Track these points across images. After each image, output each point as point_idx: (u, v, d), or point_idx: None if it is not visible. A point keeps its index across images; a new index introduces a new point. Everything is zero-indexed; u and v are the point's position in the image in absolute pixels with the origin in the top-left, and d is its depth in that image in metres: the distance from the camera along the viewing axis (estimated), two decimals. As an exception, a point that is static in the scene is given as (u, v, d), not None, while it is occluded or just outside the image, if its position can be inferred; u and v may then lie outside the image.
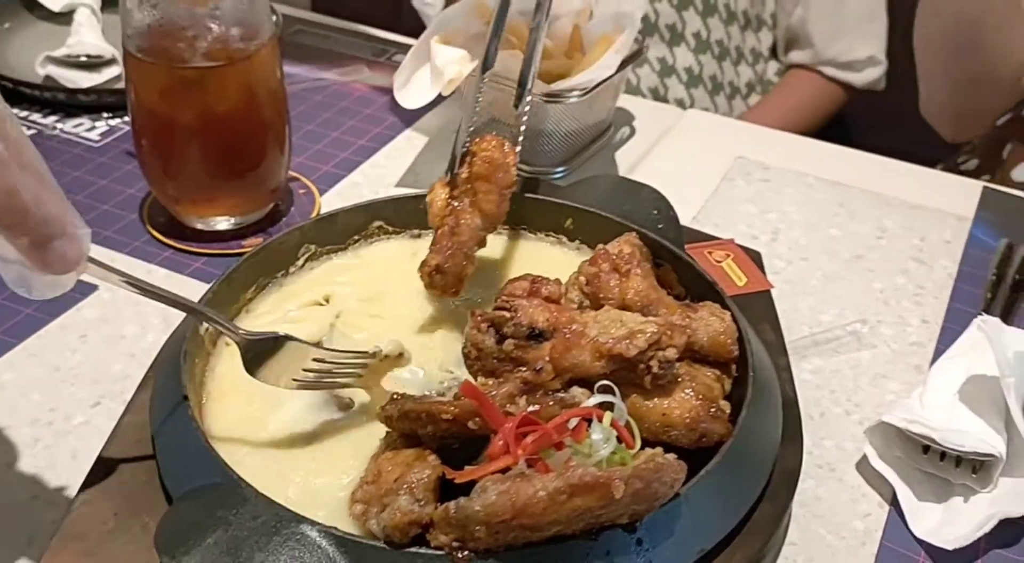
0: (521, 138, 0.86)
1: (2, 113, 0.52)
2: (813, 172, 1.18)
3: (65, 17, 1.34)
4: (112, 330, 0.89)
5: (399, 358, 0.73)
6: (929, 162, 1.28)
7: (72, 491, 0.73)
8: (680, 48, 1.66)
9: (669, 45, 1.65)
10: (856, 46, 1.68)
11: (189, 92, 0.92)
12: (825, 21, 1.67)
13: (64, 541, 0.62)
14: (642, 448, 0.63)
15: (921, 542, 0.72)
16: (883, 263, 1.03)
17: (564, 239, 0.92)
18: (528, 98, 0.89)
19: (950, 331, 0.93)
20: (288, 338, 0.69)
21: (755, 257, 0.94)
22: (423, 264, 0.79)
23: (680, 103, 1.69)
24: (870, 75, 1.70)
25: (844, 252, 1.05)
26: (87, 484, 0.66)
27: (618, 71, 1.09)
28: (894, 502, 0.75)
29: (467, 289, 0.86)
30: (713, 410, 0.67)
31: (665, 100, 1.70)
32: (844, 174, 1.18)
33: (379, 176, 1.15)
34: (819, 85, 1.71)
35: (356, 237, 0.89)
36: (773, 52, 1.78)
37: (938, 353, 0.90)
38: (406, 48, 1.42)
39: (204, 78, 0.92)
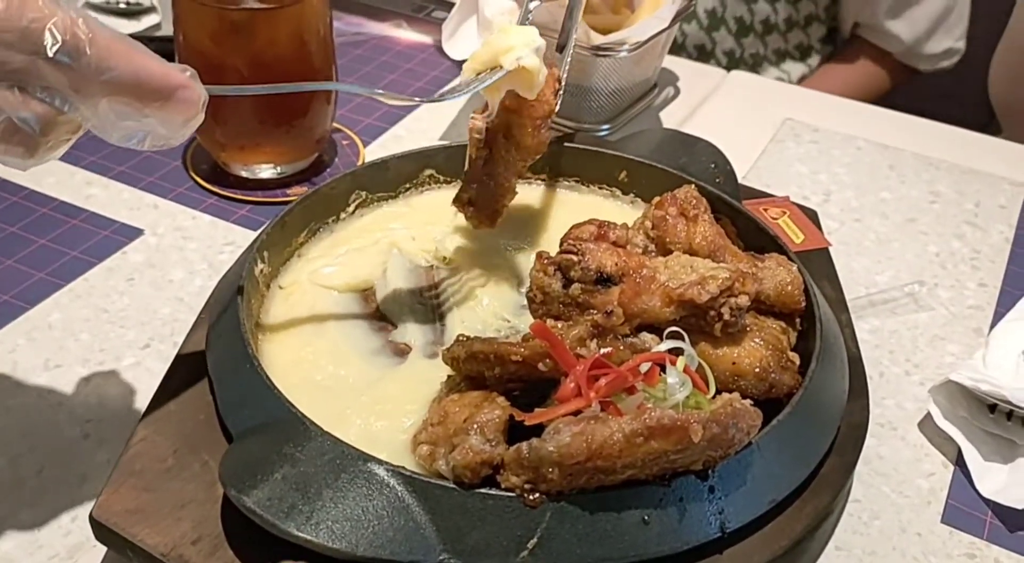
0: (561, 90, 0.82)
1: (66, 23, 0.51)
2: (863, 135, 1.16)
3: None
4: (159, 274, 0.88)
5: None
6: (977, 128, 1.25)
7: (124, 430, 0.72)
8: None
9: None
10: (935, 41, 1.65)
11: (240, 35, 0.91)
12: (900, 16, 1.63)
13: (123, 476, 0.61)
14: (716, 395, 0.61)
15: (988, 502, 0.71)
16: (937, 227, 1.01)
17: (618, 192, 0.90)
18: (571, 44, 0.86)
19: (1009, 294, 0.91)
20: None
21: (811, 215, 0.92)
22: (456, 197, 0.79)
23: (729, 54, 1.66)
24: (944, 62, 1.67)
25: (896, 215, 1.03)
26: (143, 422, 0.65)
27: (672, 23, 1.07)
28: (959, 462, 0.74)
29: (519, 239, 0.85)
30: (783, 361, 0.66)
31: (712, 55, 1.67)
32: (893, 138, 1.16)
33: (422, 130, 1.13)
34: (886, 64, 1.69)
35: (407, 185, 0.88)
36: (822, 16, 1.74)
37: (998, 316, 0.88)
38: (445, 5, 1.40)
39: (255, 21, 0.90)
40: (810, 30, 1.72)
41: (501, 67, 0.71)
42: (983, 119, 1.66)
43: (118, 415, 0.74)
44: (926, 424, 0.77)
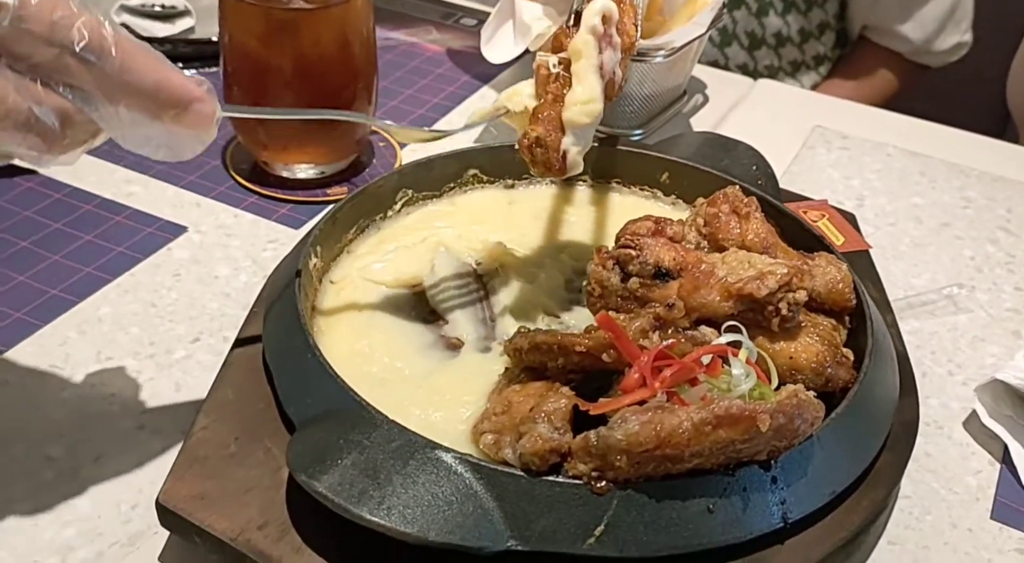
0: (640, 21, 0.77)
1: (92, 24, 0.53)
2: (891, 142, 1.17)
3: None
4: (204, 270, 0.88)
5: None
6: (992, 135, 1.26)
7: (178, 421, 0.73)
8: (740, 12, 1.65)
9: (729, 10, 1.64)
10: (943, 38, 1.67)
11: (284, 36, 0.92)
12: (908, 18, 1.65)
13: (187, 463, 0.62)
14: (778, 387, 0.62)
15: (1037, 499, 0.71)
16: (971, 231, 1.02)
17: (659, 194, 0.91)
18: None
19: (1046, 298, 0.92)
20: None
21: (850, 218, 0.93)
22: (522, 136, 0.71)
23: (743, 67, 1.68)
24: (953, 57, 1.68)
25: (930, 219, 1.04)
26: (204, 412, 0.65)
27: (709, 29, 1.08)
28: (1005, 459, 0.75)
29: (563, 238, 0.86)
30: (839, 356, 0.66)
31: (727, 69, 1.69)
32: (922, 145, 1.17)
33: (457, 135, 1.14)
34: (895, 65, 1.70)
35: (451, 184, 0.89)
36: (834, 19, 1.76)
37: (1035, 319, 0.89)
38: (473, 12, 1.42)
39: (301, 21, 0.91)
40: (824, 38, 1.73)
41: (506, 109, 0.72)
42: (997, 126, 1.68)
43: (172, 406, 0.74)
44: (971, 423, 0.77)
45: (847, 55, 1.78)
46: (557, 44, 0.72)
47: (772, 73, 1.73)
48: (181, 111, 0.57)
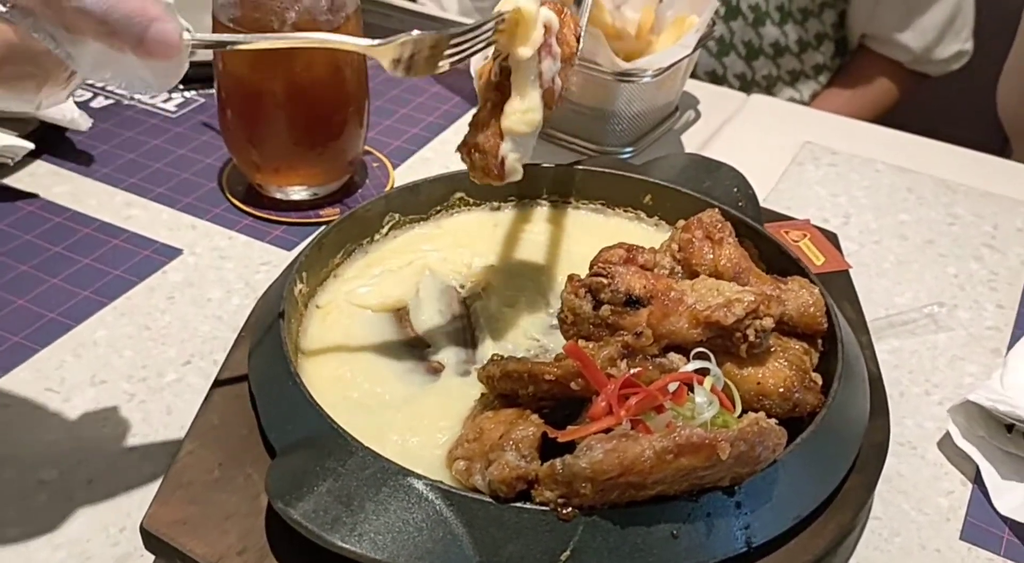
0: (582, 34, 0.78)
1: None
2: (881, 158, 1.18)
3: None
4: (198, 293, 0.91)
5: (523, 11, 0.69)
6: (991, 151, 1.27)
7: (168, 445, 0.75)
8: (737, 22, 1.66)
9: (726, 20, 1.66)
10: (943, 47, 1.67)
11: (278, 62, 0.94)
12: (908, 27, 1.66)
13: (171, 488, 0.64)
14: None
15: (1006, 519, 0.73)
16: (955, 249, 1.03)
17: (643, 215, 0.92)
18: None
19: (1027, 316, 0.93)
20: (417, 32, 0.65)
21: (831, 238, 0.95)
22: (462, 143, 0.74)
23: (741, 77, 1.69)
24: (954, 65, 1.69)
25: (915, 237, 1.05)
26: (190, 437, 0.67)
27: (695, 49, 1.10)
28: (977, 480, 0.76)
29: (546, 261, 0.87)
30: (807, 381, 0.68)
31: (724, 79, 1.70)
32: (912, 161, 1.18)
33: (448, 152, 1.16)
34: (895, 74, 1.71)
35: (438, 207, 0.91)
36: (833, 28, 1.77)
37: (1015, 338, 0.90)
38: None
39: (292, 48, 0.93)
40: (823, 48, 1.74)
41: (501, 15, 0.70)
42: (999, 137, 1.68)
43: (163, 429, 0.77)
44: (945, 443, 0.79)
45: (847, 64, 1.79)
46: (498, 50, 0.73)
47: (771, 83, 1.74)
48: (141, 35, 0.53)
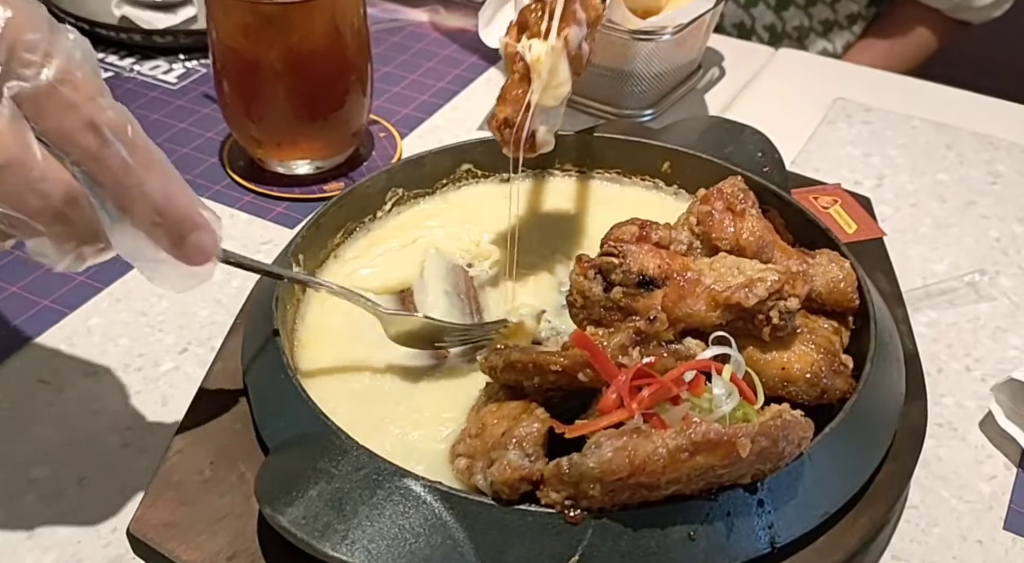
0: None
1: (124, 116, 0.51)
2: (918, 113, 1.12)
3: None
4: (197, 275, 0.87)
5: (524, 326, 0.71)
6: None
7: (163, 438, 0.72)
8: None
9: None
10: None
11: (272, 30, 0.89)
12: None
13: (160, 489, 0.60)
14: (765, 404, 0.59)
15: (1054, 507, 0.68)
16: (998, 210, 0.97)
17: (661, 183, 0.87)
18: None
19: (1076, 283, 0.87)
20: (426, 318, 0.69)
21: (864, 203, 0.89)
22: (491, 116, 0.72)
23: (770, 29, 1.62)
24: (995, 12, 1.60)
25: (955, 198, 0.99)
26: (181, 432, 0.64)
27: (715, 5, 1.03)
28: (1022, 464, 0.71)
29: (559, 236, 0.83)
30: (836, 365, 0.63)
31: (753, 31, 1.63)
32: (951, 116, 1.11)
33: (460, 119, 1.11)
34: (934, 23, 1.62)
35: (444, 181, 0.86)
36: None
37: (1064, 306, 0.84)
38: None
39: (288, 15, 0.89)
40: None
41: None
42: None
43: (156, 422, 0.74)
44: (988, 423, 0.74)
45: (883, 13, 1.70)
46: (523, 20, 0.69)
47: (802, 34, 1.66)
48: (184, 237, 0.55)
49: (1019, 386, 0.72)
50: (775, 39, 1.65)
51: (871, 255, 0.81)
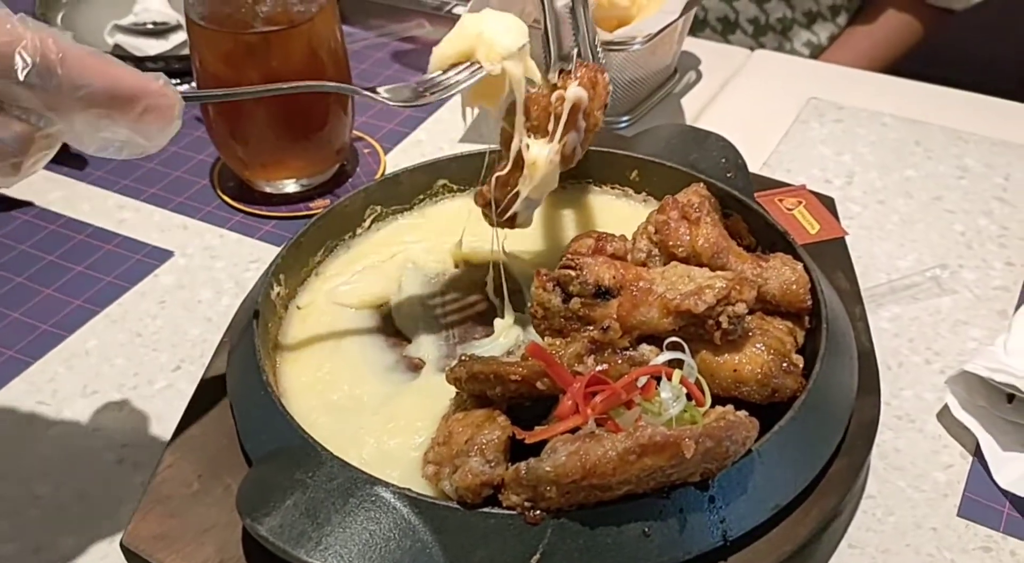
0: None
1: (41, 37, 0.51)
2: (889, 110, 1.14)
3: (131, -16, 1.35)
4: (188, 295, 0.91)
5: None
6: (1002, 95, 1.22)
7: (157, 454, 0.75)
8: None
9: None
10: None
11: (252, 57, 0.93)
12: None
13: (151, 504, 0.64)
14: (713, 405, 0.62)
15: (1006, 493, 0.70)
16: (963, 204, 1.00)
17: (630, 191, 0.90)
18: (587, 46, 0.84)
19: (1036, 274, 0.89)
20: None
21: (828, 203, 0.92)
22: (478, 193, 0.76)
23: (754, 22, 1.64)
24: None
25: (922, 194, 1.01)
26: (170, 448, 0.68)
27: (681, 15, 1.06)
28: (977, 453, 0.74)
29: (531, 243, 0.86)
30: (785, 365, 0.66)
31: (737, 25, 1.65)
32: (922, 111, 1.14)
33: (442, 132, 1.15)
34: (917, 11, 1.64)
35: (421, 196, 0.90)
36: None
37: None
38: (465, 1, 1.41)
39: (267, 42, 0.92)
40: None
41: (478, 63, 0.70)
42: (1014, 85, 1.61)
43: (151, 439, 0.77)
44: (945, 415, 0.76)
45: (866, 3, 1.72)
46: (527, 110, 0.72)
47: (786, 26, 1.68)
48: (141, 110, 0.55)
49: (973, 378, 0.75)
50: (759, 32, 1.67)
51: (832, 254, 0.84)
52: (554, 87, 0.72)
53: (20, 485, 0.74)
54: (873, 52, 1.64)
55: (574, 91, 0.71)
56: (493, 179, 0.74)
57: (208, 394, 0.72)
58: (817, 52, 1.69)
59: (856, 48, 1.66)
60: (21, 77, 0.51)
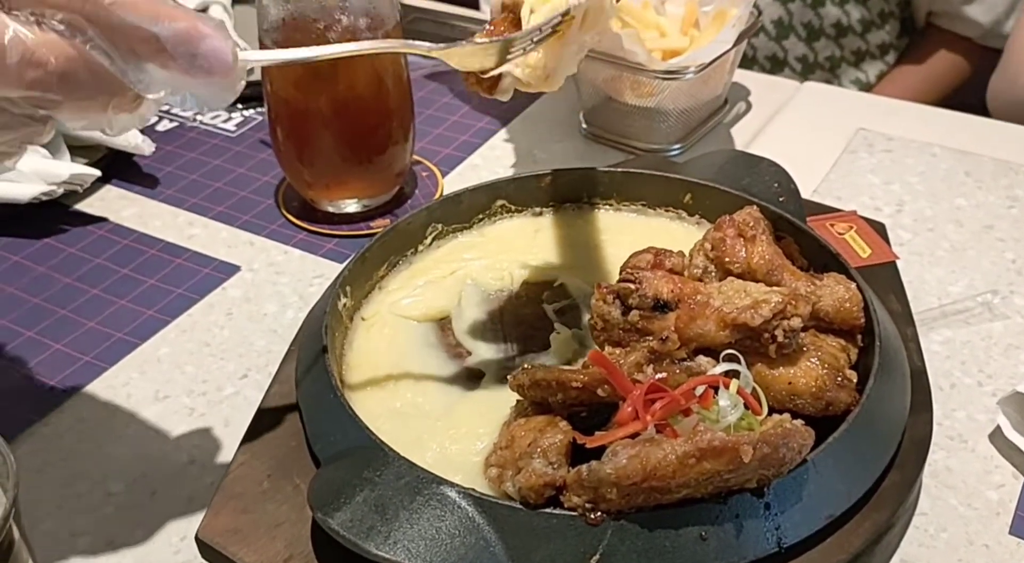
0: None
1: None
2: (938, 141, 1.16)
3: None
4: (254, 308, 0.94)
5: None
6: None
7: (225, 456, 0.79)
8: (795, 4, 1.63)
9: (783, 2, 1.63)
10: (1012, 19, 1.61)
11: (321, 82, 0.97)
12: (975, 1, 1.61)
13: (224, 500, 0.67)
14: (769, 415, 0.64)
15: (1058, 513, 0.71)
16: (1014, 232, 1.01)
17: (684, 214, 0.93)
18: None
19: (1087, 301, 0.90)
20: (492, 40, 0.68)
21: (879, 228, 0.93)
22: (476, 35, 0.71)
23: (803, 60, 1.67)
24: None
25: (972, 222, 1.03)
26: (241, 449, 0.71)
27: (734, 46, 1.09)
28: (1029, 473, 0.74)
29: (587, 264, 0.88)
30: (839, 379, 0.67)
31: (786, 63, 1.68)
32: (971, 143, 1.15)
33: (496, 158, 1.18)
34: (965, 50, 1.66)
35: (480, 216, 0.93)
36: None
37: (1075, 324, 0.88)
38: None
39: (335, 68, 0.96)
40: (888, 27, 1.70)
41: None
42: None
43: (219, 441, 0.81)
44: (997, 436, 0.77)
45: (915, 42, 1.74)
46: None
47: (834, 64, 1.71)
48: (194, 54, 0.53)
49: (1025, 399, 0.76)
50: (807, 70, 1.70)
51: (884, 278, 0.86)
52: None
53: (95, 483, 0.77)
54: (923, 90, 1.66)
55: None
56: (489, 28, 0.71)
57: (276, 399, 0.75)
58: (865, 89, 1.72)
59: (905, 85, 1.68)
60: None
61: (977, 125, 1.20)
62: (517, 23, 0.71)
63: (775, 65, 1.69)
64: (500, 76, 0.71)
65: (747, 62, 1.68)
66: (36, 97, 0.52)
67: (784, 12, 1.65)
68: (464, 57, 0.69)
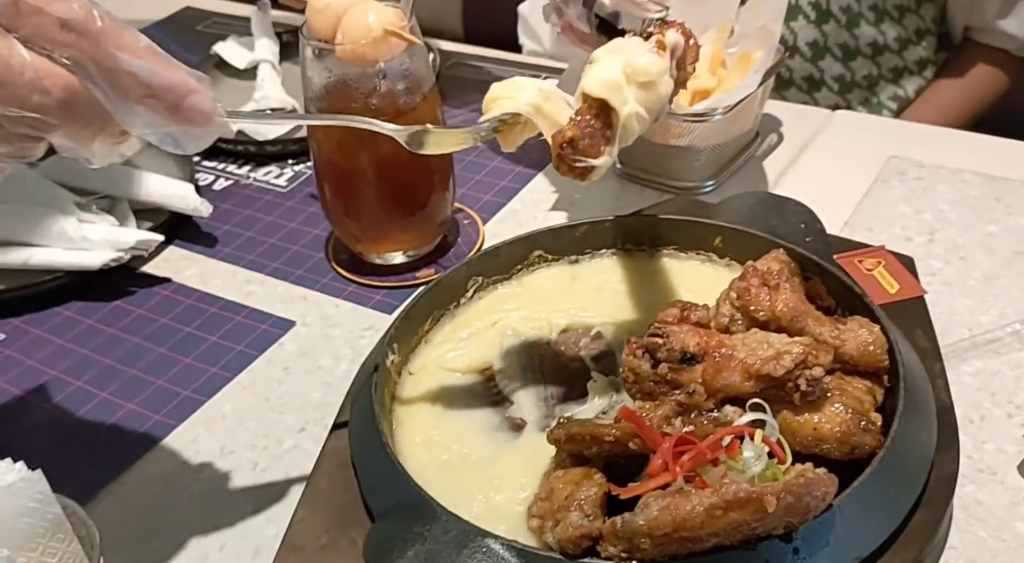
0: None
1: (87, 8, 0.57)
2: (969, 167, 1.17)
3: (250, 73, 1.48)
4: (310, 362, 1.00)
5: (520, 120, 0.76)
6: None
7: (288, 507, 0.84)
8: (829, 25, 1.65)
9: (817, 24, 1.65)
10: None
11: (363, 143, 1.03)
12: (1010, 14, 1.62)
13: (287, 553, 0.72)
14: (794, 462, 0.67)
15: (1088, 545, 0.73)
16: (1046, 258, 1.02)
17: (714, 257, 0.96)
18: None
19: (1119, 327, 0.91)
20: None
21: (907, 263, 0.95)
22: (557, 132, 0.74)
23: (839, 80, 1.68)
24: None
25: (1003, 249, 1.04)
26: (301, 504, 0.76)
27: (759, 86, 1.12)
28: (1059, 505, 0.76)
29: (623, 310, 0.92)
30: (864, 423, 0.70)
31: (823, 83, 1.69)
32: (1001, 167, 1.17)
33: (536, 202, 1.22)
34: (1003, 63, 1.67)
35: (519, 266, 0.97)
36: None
37: (1106, 351, 0.89)
38: (559, 72, 1.49)
39: (375, 132, 1.01)
40: (925, 43, 1.71)
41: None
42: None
43: (281, 493, 0.86)
44: (1026, 467, 0.79)
45: (952, 57, 1.75)
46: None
47: (872, 82, 1.72)
48: (178, 104, 0.60)
49: (1053, 431, 0.77)
50: (845, 89, 1.71)
51: (912, 313, 0.88)
52: (649, 35, 0.76)
53: (168, 537, 0.83)
54: (962, 104, 1.67)
55: (673, 36, 0.75)
56: (578, 120, 0.73)
57: (333, 455, 0.80)
58: (904, 105, 1.72)
59: (945, 99, 1.69)
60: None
61: (1008, 148, 1.21)
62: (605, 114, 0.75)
63: (812, 85, 1.71)
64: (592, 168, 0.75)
65: (783, 83, 1.70)
66: (36, 119, 0.59)
67: (819, 34, 1.67)
68: (438, 142, 0.79)
